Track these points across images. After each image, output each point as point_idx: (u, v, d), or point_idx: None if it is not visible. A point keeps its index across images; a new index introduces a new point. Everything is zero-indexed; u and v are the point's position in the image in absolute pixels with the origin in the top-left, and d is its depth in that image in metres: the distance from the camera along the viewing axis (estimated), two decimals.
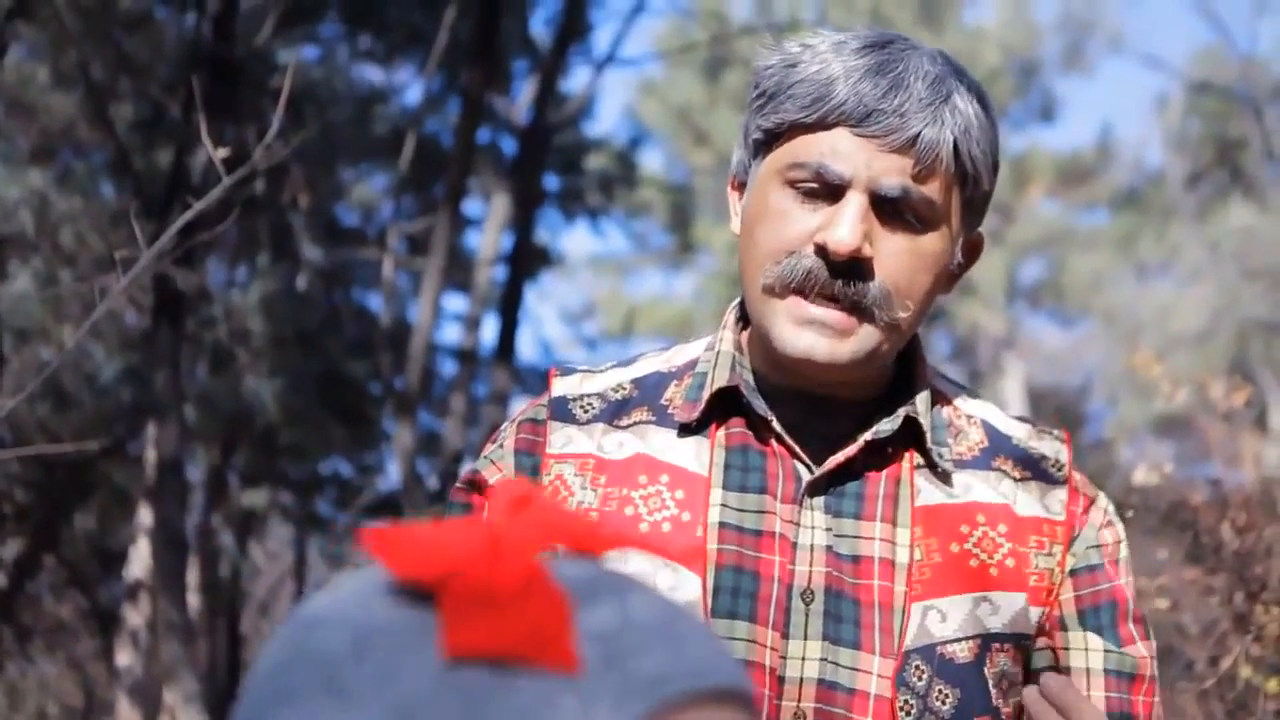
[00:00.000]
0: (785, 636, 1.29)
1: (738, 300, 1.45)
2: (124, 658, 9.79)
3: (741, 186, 1.41)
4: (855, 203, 1.27)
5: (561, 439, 1.40)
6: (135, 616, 9.79)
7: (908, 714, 1.27)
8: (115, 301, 3.52)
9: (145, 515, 9.46)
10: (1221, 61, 20.58)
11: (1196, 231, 19.89)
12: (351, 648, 0.56)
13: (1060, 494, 1.39)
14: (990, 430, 1.42)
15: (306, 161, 10.06)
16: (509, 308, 11.69)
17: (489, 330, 16.12)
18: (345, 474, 13.61)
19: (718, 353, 1.41)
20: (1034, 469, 1.40)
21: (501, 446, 1.44)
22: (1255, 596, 3.51)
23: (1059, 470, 1.41)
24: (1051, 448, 1.42)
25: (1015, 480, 1.39)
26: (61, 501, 10.01)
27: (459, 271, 12.87)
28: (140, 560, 9.68)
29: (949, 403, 1.42)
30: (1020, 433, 1.43)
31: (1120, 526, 1.43)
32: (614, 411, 1.41)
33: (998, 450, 1.40)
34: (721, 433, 1.37)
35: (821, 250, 1.27)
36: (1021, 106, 23.66)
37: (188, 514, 9.49)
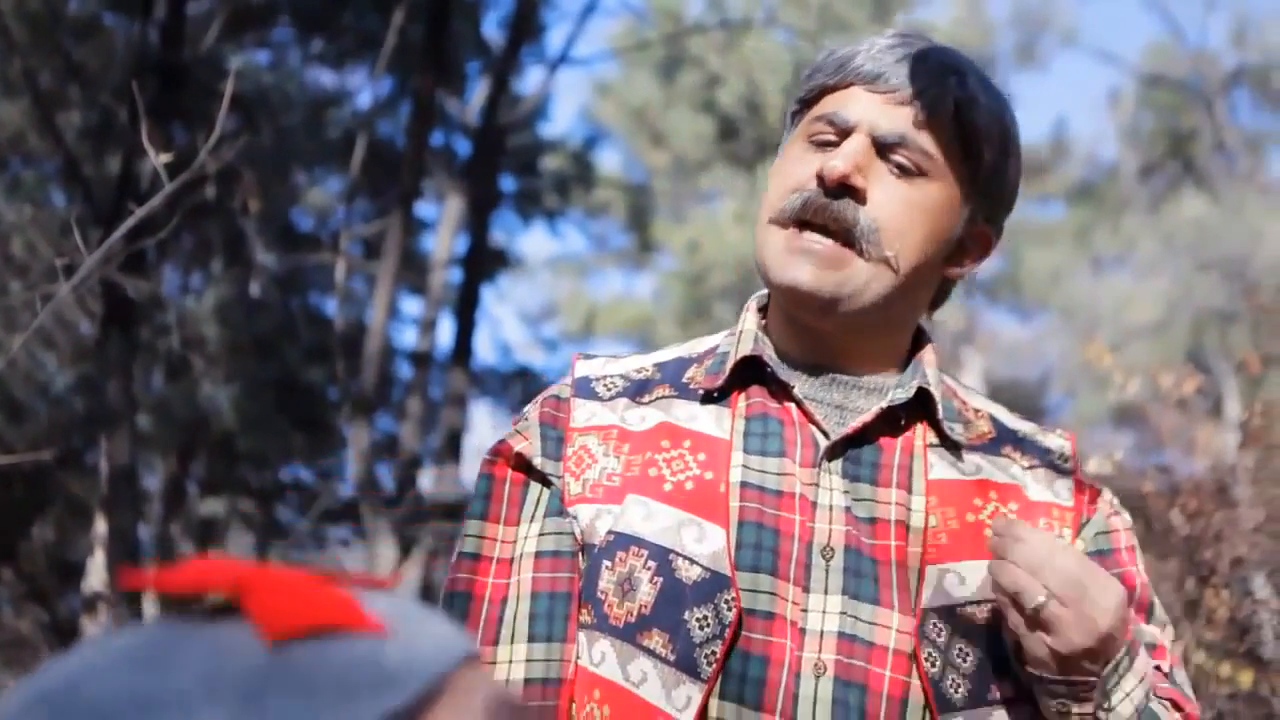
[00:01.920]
0: (806, 590, 1.31)
1: (762, 291, 1.52)
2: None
3: None
4: (856, 141, 1.37)
5: (585, 414, 1.44)
6: (94, 628, 9.71)
7: (933, 665, 1.30)
8: (62, 308, 3.49)
9: (102, 526, 9.39)
10: (1173, 55, 20.77)
11: (1151, 224, 20.05)
12: (157, 674, 0.58)
13: (1068, 483, 1.44)
14: (997, 423, 1.48)
15: (259, 166, 9.99)
16: (465, 310, 11.66)
17: (446, 333, 16.08)
18: (305, 480, 13.55)
19: (740, 331, 1.46)
20: (1041, 459, 1.45)
21: (526, 419, 1.47)
22: (1205, 581, 3.54)
23: (1065, 462, 1.46)
24: (1057, 443, 1.48)
25: (1024, 468, 1.43)
26: (19, 513, 9.92)
27: (414, 274, 12.83)
28: (98, 572, 9.59)
29: (957, 396, 1.48)
30: (1026, 428, 1.49)
31: (1127, 516, 1.48)
32: (636, 389, 1.46)
33: (1005, 440, 1.46)
34: (742, 402, 1.42)
35: (820, 179, 1.36)
36: None
37: (145, 523, 9.42)
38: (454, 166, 13.30)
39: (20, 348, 3.83)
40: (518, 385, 15.25)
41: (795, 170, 1.40)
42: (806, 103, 1.45)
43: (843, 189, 1.35)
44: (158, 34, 7.96)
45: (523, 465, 1.43)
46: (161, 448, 10.85)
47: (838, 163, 1.35)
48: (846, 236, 1.35)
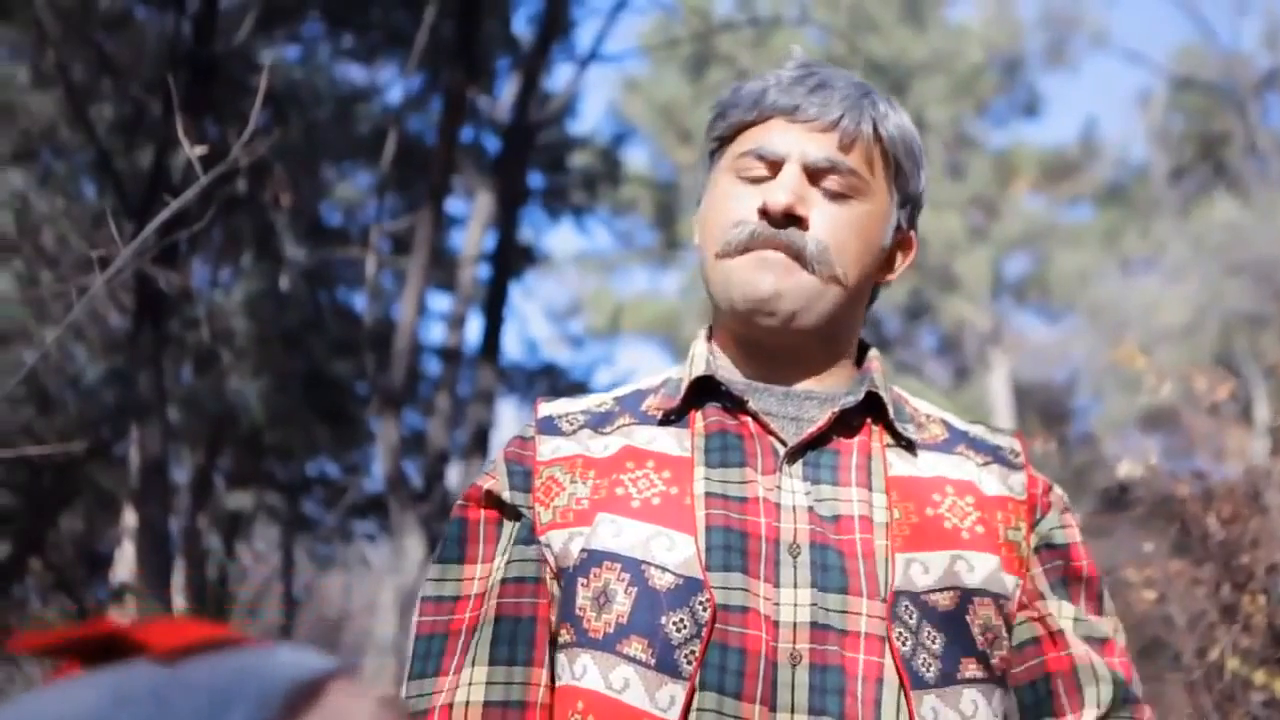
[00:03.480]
0: (776, 585, 1.37)
1: (708, 325, 1.59)
2: None
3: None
4: (790, 171, 1.45)
5: (550, 448, 1.49)
6: (122, 619, 9.75)
7: (904, 644, 1.34)
8: (94, 301, 3.50)
9: (130, 518, 9.42)
10: (1205, 57, 20.64)
11: (1181, 226, 19.93)
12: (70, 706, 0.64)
13: (1020, 477, 1.50)
14: (949, 426, 1.54)
15: (289, 161, 10.02)
16: (493, 306, 11.66)
17: (474, 329, 16.09)
18: (331, 474, 13.59)
19: (692, 357, 1.53)
20: (994, 455, 1.51)
21: (493, 462, 1.53)
22: (1242, 587, 3.51)
23: (1016, 458, 1.52)
24: (1007, 441, 1.55)
25: (977, 465, 1.49)
26: (47, 504, 9.97)
27: (443, 270, 12.84)
28: (126, 563, 9.64)
29: (908, 403, 1.55)
30: (976, 429, 1.56)
31: (1073, 513, 1.53)
32: (598, 421, 1.52)
33: (958, 441, 1.52)
34: (700, 421, 1.48)
35: (763, 212, 1.44)
36: (1005, 102, 23.69)
37: (173, 516, 9.46)
38: (483, 163, 13.30)
39: (52, 340, 3.84)
40: (544, 382, 15.26)
41: (732, 206, 1.47)
42: (724, 140, 1.52)
43: (788, 219, 1.43)
44: (190, 28, 7.99)
45: (494, 502, 1.48)
46: (190, 441, 10.90)
47: (780, 195, 1.43)
48: (797, 256, 1.43)
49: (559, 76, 21.97)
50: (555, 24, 11.96)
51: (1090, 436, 18.83)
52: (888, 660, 1.34)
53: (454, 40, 9.75)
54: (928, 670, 1.35)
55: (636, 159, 21.93)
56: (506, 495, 1.47)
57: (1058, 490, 1.52)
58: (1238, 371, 15.04)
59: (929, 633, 1.36)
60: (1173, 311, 18.45)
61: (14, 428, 8.44)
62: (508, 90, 13.21)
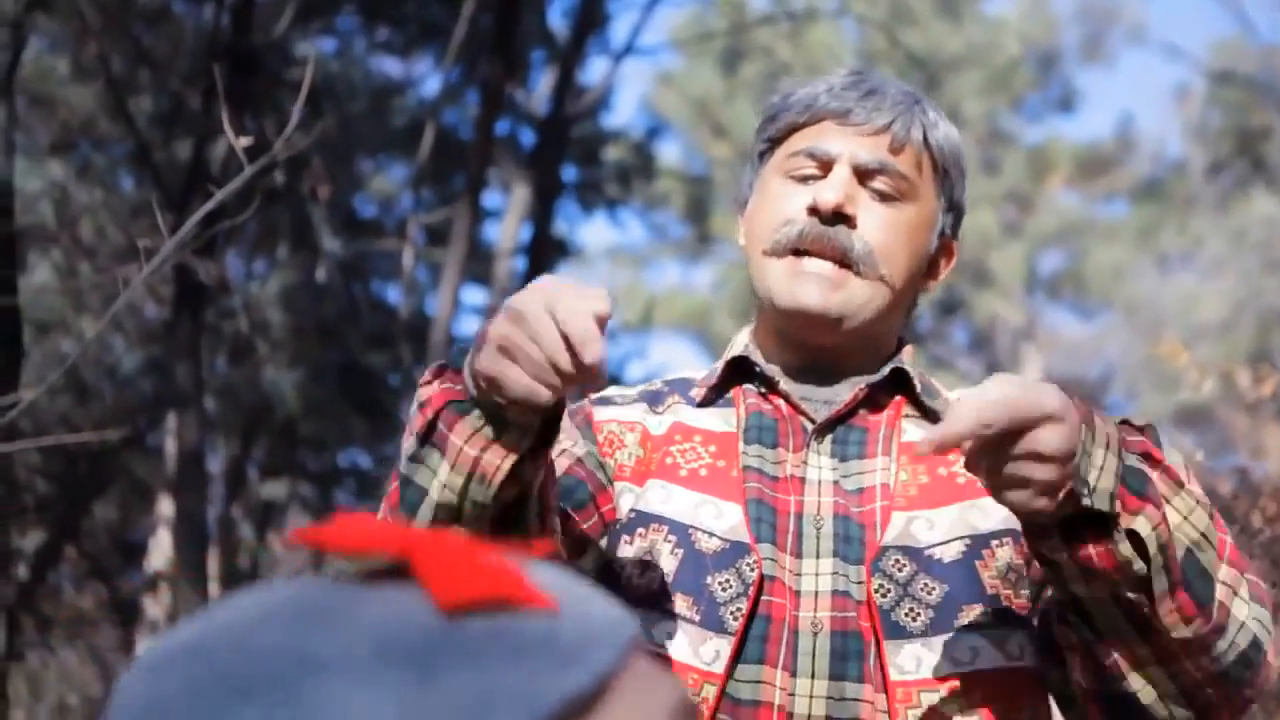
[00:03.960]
0: (799, 557, 1.41)
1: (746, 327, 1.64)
2: (144, 649, 9.81)
3: (745, 205, 1.61)
4: (840, 172, 1.48)
5: (606, 414, 1.55)
6: (155, 607, 9.82)
7: (883, 596, 1.37)
8: (136, 292, 3.51)
9: (165, 506, 9.47)
10: (1243, 51, 20.46)
11: (1218, 222, 19.79)
12: (325, 631, 0.55)
13: None
14: None
15: (325, 153, 10.05)
16: None
17: None
18: (364, 466, 13.63)
19: (732, 343, 1.59)
20: None
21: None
22: None
23: None
24: None
25: None
26: (82, 493, 10.04)
27: (478, 263, 12.86)
28: (161, 551, 9.70)
29: (934, 384, 1.57)
30: None
31: None
32: (651, 399, 1.58)
33: None
34: (742, 404, 1.53)
35: (813, 210, 1.47)
36: (1041, 97, 23.56)
37: (208, 505, 9.51)
38: (519, 156, 13.32)
39: (93, 331, 3.86)
40: None
41: (782, 205, 1.50)
42: (775, 141, 1.56)
43: (837, 217, 1.46)
44: (229, 21, 8.03)
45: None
46: (225, 431, 10.96)
47: (830, 194, 1.46)
48: (843, 260, 1.46)
49: (594, 70, 21.96)
50: (591, 18, 11.97)
51: None
52: (859, 612, 1.37)
53: (491, 33, 9.76)
54: (914, 620, 1.37)
55: (670, 153, 21.93)
56: (570, 441, 1.48)
57: None
58: (1276, 368, 14.94)
59: (925, 584, 1.38)
60: (1210, 308, 18.33)
61: (51, 416, 8.50)
62: (543, 84, 13.23)
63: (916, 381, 1.51)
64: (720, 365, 1.55)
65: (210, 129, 7.19)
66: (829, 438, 1.48)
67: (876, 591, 1.37)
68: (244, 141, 3.23)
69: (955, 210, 1.56)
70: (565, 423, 1.48)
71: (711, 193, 20.57)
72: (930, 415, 1.49)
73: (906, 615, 1.37)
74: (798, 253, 1.47)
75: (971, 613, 1.38)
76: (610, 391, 1.59)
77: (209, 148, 7.47)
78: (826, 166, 1.49)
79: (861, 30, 16.84)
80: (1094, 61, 26.32)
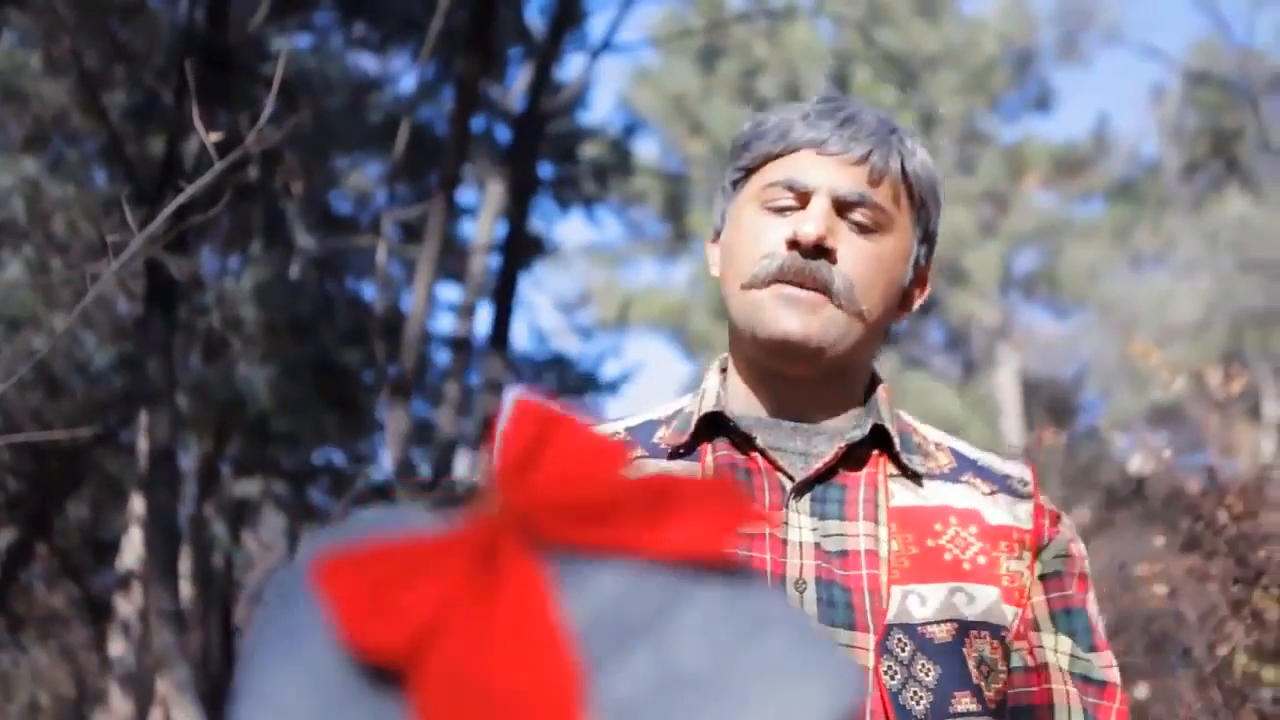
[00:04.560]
0: None
1: (723, 354, 1.60)
2: (116, 647, 9.77)
3: (719, 236, 1.58)
4: (820, 204, 1.45)
5: None
6: (127, 606, 9.78)
7: (892, 678, 1.34)
8: (106, 287, 3.49)
9: (138, 504, 9.43)
10: (1218, 52, 20.57)
11: (1192, 222, 19.89)
12: None
13: (1027, 506, 1.48)
14: (958, 455, 1.53)
15: (300, 149, 10.02)
16: (503, 296, 11.66)
17: (483, 319, 16.12)
18: (338, 463, 13.59)
19: (703, 391, 1.54)
20: (1001, 485, 1.50)
21: None
22: (1252, 583, 3.51)
23: (1025, 487, 1.51)
24: (1016, 469, 1.53)
25: (984, 494, 1.48)
26: (54, 490, 9.99)
27: (453, 259, 12.84)
28: (132, 549, 9.66)
29: (916, 431, 1.54)
30: (986, 458, 1.55)
31: (1083, 546, 1.52)
32: None
33: (966, 469, 1.51)
34: (709, 456, 1.49)
35: (793, 244, 1.44)
36: (1018, 96, 23.64)
37: (180, 503, 9.47)
38: (494, 153, 13.30)
39: (61, 327, 3.84)
40: (552, 373, 15.27)
41: (760, 237, 1.47)
42: (749, 170, 1.52)
43: (817, 251, 1.43)
44: (204, 15, 7.99)
45: None
46: (197, 428, 10.92)
47: (810, 227, 1.43)
48: (824, 292, 1.43)
49: (570, 67, 21.92)
50: (567, 14, 11.96)
51: (1097, 432, 18.82)
52: (874, 694, 1.34)
53: (467, 30, 9.73)
54: (917, 703, 1.34)
55: (647, 150, 21.93)
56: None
57: (1067, 520, 1.51)
58: (1247, 368, 15.02)
59: (923, 664, 1.36)
60: (1183, 308, 18.43)
61: (22, 413, 8.46)
62: (519, 80, 13.21)
63: (896, 438, 1.48)
64: (694, 421, 1.50)
65: (184, 124, 7.16)
66: (807, 495, 1.44)
67: (886, 673, 1.35)
68: (214, 137, 3.21)
69: (929, 240, 1.55)
70: None
71: (688, 190, 20.59)
72: (911, 476, 1.46)
73: (911, 699, 1.35)
74: (778, 283, 1.44)
75: (961, 699, 1.37)
76: None
77: (183, 143, 7.43)
78: (805, 198, 1.46)
79: (838, 29, 16.86)
80: (1070, 61, 26.41)
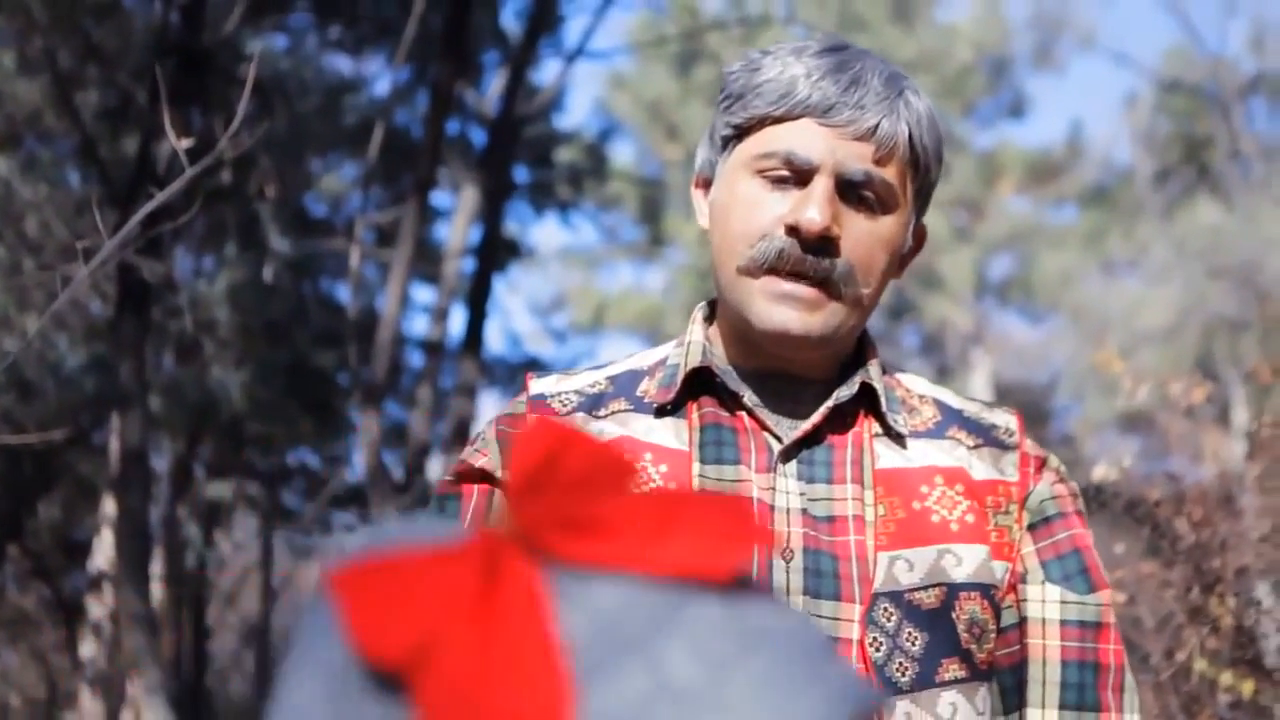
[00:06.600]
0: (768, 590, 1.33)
1: (704, 302, 1.54)
2: (87, 649, 9.73)
3: (707, 184, 1.50)
4: (823, 185, 1.37)
5: None
6: (99, 608, 9.74)
7: (877, 650, 1.33)
8: (78, 290, 3.51)
9: (109, 506, 9.40)
10: (1191, 60, 20.68)
11: (1164, 229, 19.99)
12: None
13: (1013, 457, 1.45)
14: (942, 406, 1.49)
15: (275, 152, 10.01)
16: (477, 300, 11.66)
17: (457, 322, 16.10)
18: (312, 465, 13.57)
19: (688, 344, 1.48)
20: (986, 437, 1.46)
21: (483, 438, 1.48)
22: (1211, 590, 3.54)
23: (1010, 438, 1.47)
24: (1002, 419, 1.49)
25: (969, 448, 1.45)
26: (25, 492, 9.95)
27: (427, 263, 12.84)
28: (104, 551, 9.62)
29: (901, 385, 1.50)
30: (971, 408, 1.51)
31: (1074, 484, 1.48)
32: (592, 403, 1.47)
33: (950, 423, 1.47)
34: (696, 413, 1.44)
35: (793, 230, 1.37)
36: (992, 103, 23.73)
37: (153, 505, 9.44)
38: (469, 156, 13.30)
39: (34, 328, 3.84)
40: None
41: (756, 214, 1.39)
42: (743, 129, 1.43)
43: (820, 240, 1.37)
44: (179, 17, 7.98)
45: (486, 478, 1.44)
46: (170, 430, 10.88)
47: (815, 216, 1.35)
48: (823, 282, 1.38)
49: (546, 71, 21.94)
50: (543, 19, 11.96)
51: (1070, 437, 18.90)
52: (858, 667, 1.32)
53: (442, 33, 9.74)
54: (903, 675, 1.33)
55: (622, 155, 21.96)
56: (500, 475, 1.42)
57: (1054, 461, 1.47)
58: (1216, 375, 15.12)
59: (909, 633, 1.34)
60: (1154, 314, 18.51)
61: None
62: (495, 84, 13.22)
63: (883, 398, 1.44)
64: (679, 378, 1.45)
65: (157, 125, 7.15)
66: (794, 458, 1.40)
67: (870, 645, 1.32)
68: (186, 143, 3.22)
69: (928, 198, 1.49)
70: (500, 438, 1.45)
71: (664, 195, 20.61)
72: (896, 436, 1.43)
73: (896, 670, 1.33)
74: (774, 271, 1.38)
75: (949, 666, 1.35)
76: (551, 385, 1.50)
77: (156, 144, 7.42)
78: (806, 176, 1.38)
79: (812, 36, 16.90)
80: (1045, 69, 26.53)
